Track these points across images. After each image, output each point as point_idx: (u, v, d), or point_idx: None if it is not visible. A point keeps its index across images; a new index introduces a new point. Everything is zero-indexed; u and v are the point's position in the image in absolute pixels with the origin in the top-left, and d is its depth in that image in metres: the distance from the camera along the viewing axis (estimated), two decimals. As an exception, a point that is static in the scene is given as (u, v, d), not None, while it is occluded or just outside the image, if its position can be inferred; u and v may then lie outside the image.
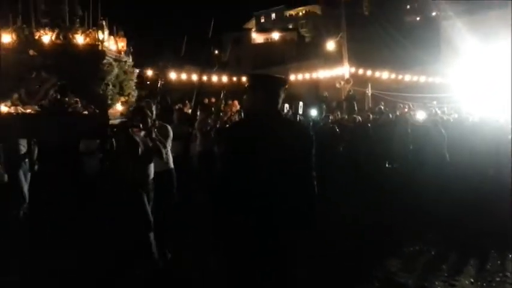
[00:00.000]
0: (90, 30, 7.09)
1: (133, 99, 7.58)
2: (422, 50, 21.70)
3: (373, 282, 4.25)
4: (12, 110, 5.87)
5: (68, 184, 5.23)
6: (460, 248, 5.14)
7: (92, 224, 4.87)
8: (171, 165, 4.89)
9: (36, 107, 6.07)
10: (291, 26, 45.15)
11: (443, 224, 5.86)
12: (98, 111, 6.04)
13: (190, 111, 7.41)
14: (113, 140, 4.36)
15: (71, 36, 6.89)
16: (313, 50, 26.82)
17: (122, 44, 7.56)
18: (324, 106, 12.36)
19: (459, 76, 16.26)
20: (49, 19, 7.05)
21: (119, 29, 7.53)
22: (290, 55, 34.13)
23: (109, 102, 6.96)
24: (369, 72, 16.77)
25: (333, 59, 18.57)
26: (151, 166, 4.41)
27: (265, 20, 49.12)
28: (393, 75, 17.09)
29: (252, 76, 2.73)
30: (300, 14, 48.30)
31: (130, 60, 7.76)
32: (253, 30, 44.95)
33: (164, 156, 4.57)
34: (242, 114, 8.26)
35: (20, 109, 5.90)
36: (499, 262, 4.74)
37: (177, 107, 9.17)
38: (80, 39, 6.92)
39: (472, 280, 4.30)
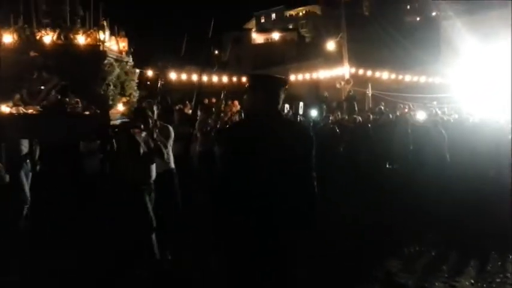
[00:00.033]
0: (91, 30, 7.07)
1: (135, 100, 7.57)
2: (422, 50, 21.67)
3: (373, 283, 4.26)
4: (13, 110, 5.87)
5: (69, 184, 5.25)
6: (460, 249, 5.14)
7: (92, 224, 4.90)
8: (172, 165, 4.89)
9: (37, 107, 6.08)
10: (291, 26, 45.08)
11: (443, 225, 5.87)
12: (98, 111, 6.04)
13: (190, 111, 7.42)
14: (113, 140, 4.38)
15: (72, 36, 6.88)
16: (313, 50, 26.76)
17: (123, 44, 7.55)
18: (324, 106, 12.33)
19: (459, 76, 16.24)
20: (50, 19, 7.04)
21: (120, 29, 7.53)
22: (290, 55, 34.02)
23: (110, 102, 6.95)
24: (369, 73, 16.75)
25: (333, 59, 18.55)
26: (153, 167, 4.41)
27: (265, 20, 49.10)
28: (393, 76, 17.06)
29: (252, 76, 2.73)
30: (300, 14, 48.28)
31: (131, 60, 7.76)
32: (253, 30, 44.90)
33: (165, 156, 4.58)
34: (242, 114, 8.27)
35: (22, 109, 5.90)
36: (499, 263, 4.74)
37: (177, 107, 9.16)
38: (81, 39, 6.91)
39: (473, 281, 4.30)
